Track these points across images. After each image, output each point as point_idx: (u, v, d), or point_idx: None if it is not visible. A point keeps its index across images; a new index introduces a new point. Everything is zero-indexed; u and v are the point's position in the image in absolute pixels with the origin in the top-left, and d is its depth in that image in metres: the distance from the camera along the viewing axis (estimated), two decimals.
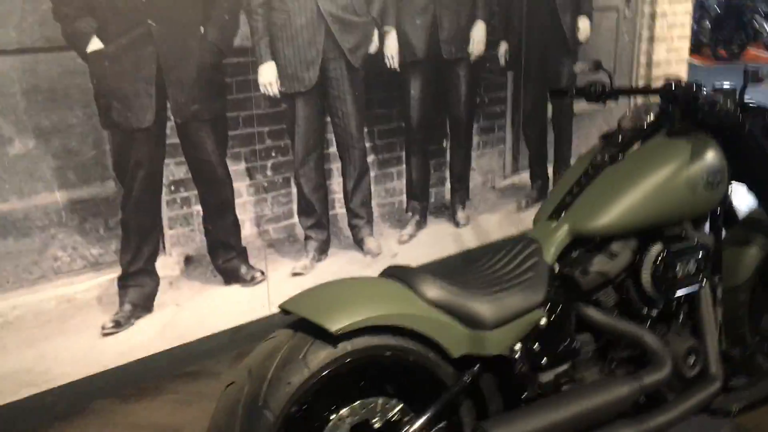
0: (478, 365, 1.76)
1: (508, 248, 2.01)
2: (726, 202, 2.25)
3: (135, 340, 2.76)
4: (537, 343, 1.84)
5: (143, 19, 2.53)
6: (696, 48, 12.56)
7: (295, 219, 3.13)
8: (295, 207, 3.12)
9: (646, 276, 1.99)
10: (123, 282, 2.70)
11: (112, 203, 2.62)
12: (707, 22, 12.29)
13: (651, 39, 4.46)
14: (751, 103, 2.15)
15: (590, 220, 1.97)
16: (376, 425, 1.68)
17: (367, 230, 3.36)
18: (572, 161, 4.02)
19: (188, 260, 2.86)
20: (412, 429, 1.67)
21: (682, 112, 2.11)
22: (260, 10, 2.83)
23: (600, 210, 1.98)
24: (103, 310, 2.68)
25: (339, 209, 3.28)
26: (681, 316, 2.13)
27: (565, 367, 1.92)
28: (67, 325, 2.60)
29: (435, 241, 3.61)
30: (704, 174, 2.03)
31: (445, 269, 1.98)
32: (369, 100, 3.24)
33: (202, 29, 2.69)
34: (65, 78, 2.42)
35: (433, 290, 1.73)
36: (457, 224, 3.74)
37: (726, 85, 2.16)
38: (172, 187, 2.76)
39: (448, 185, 3.68)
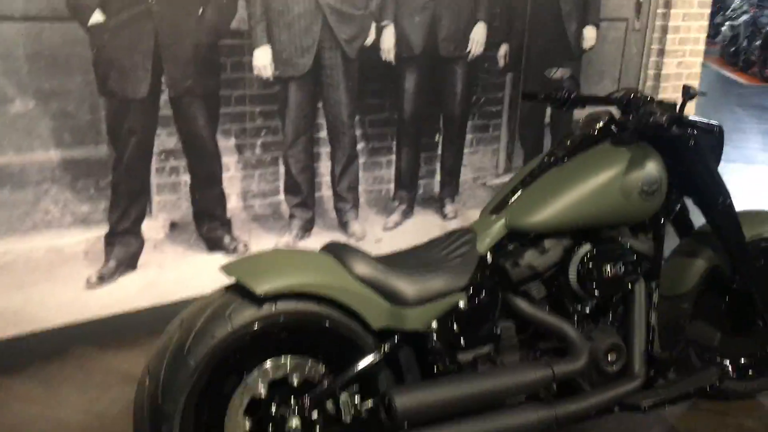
0: (396, 338, 1.91)
1: (447, 237, 2.15)
2: (670, 213, 2.34)
3: (117, 295, 2.97)
4: (455, 324, 1.97)
5: None
6: (746, 66, 12.35)
7: (281, 197, 3.31)
8: (281, 185, 3.29)
9: (572, 273, 2.11)
10: (109, 239, 2.91)
11: (104, 165, 2.83)
12: (758, 41, 12.04)
13: (661, 52, 4.50)
14: (695, 119, 2.24)
15: (526, 217, 2.09)
16: (295, 382, 1.84)
17: (353, 214, 3.52)
18: None
19: (173, 226, 3.06)
20: (327, 389, 1.83)
21: (634, 123, 2.21)
22: None
23: (536, 208, 2.10)
24: (89, 264, 2.89)
25: (326, 192, 3.44)
26: (611, 316, 2.24)
27: (485, 350, 2.05)
28: (54, 274, 2.82)
29: (420, 231, 3.74)
30: (639, 182, 2.13)
31: (391, 253, 2.12)
32: (362, 90, 3.39)
33: (200, 10, 2.87)
34: (67, 46, 2.63)
35: (361, 266, 1.89)
36: (444, 216, 3.86)
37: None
38: (162, 156, 2.95)
39: (438, 178, 3.80)
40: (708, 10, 4.65)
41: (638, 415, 2.53)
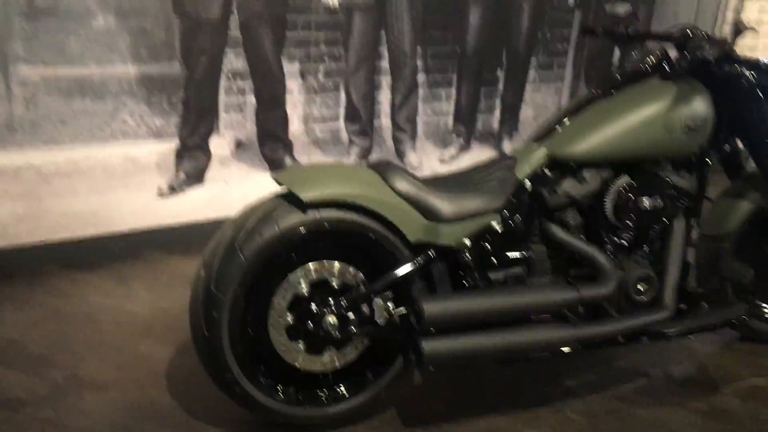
0: (431, 252, 2.03)
1: (490, 162, 2.25)
2: (717, 152, 2.36)
3: (185, 206, 3.19)
4: (487, 243, 2.08)
5: None
6: None
7: (341, 123, 3.44)
8: (342, 112, 3.42)
9: (609, 204, 2.17)
10: (180, 153, 3.12)
11: (176, 82, 3.02)
12: None
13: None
14: (749, 58, 2.23)
15: (567, 146, 2.16)
16: (334, 284, 2.01)
17: (410, 144, 3.63)
18: None
19: (239, 144, 3.25)
20: (363, 293, 1.99)
21: (687, 60, 2.22)
22: None
23: (578, 138, 2.16)
24: (161, 175, 3.12)
25: (384, 121, 3.55)
26: (647, 249, 2.30)
27: (517, 271, 2.15)
28: (129, 182, 3.06)
29: None
30: (683, 117, 2.15)
31: (435, 175, 2.23)
32: (426, 22, 3.45)
33: None
34: None
35: (401, 183, 2.02)
36: (501, 152, 3.92)
37: None
38: (230, 76, 3.12)
39: (497, 114, 3.86)
40: None
41: (670, 349, 2.62)
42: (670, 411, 2.30)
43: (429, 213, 2.02)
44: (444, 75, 3.62)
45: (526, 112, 3.91)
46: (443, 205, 2.03)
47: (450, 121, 3.72)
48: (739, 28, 2.16)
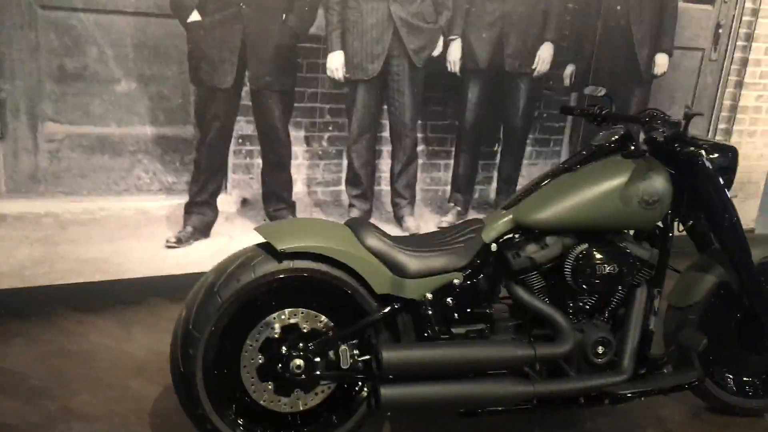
0: (396, 304, 2.20)
1: (460, 225, 2.42)
2: (686, 226, 2.50)
3: (191, 257, 3.41)
4: (449, 299, 2.24)
5: (236, 1, 3.16)
6: None
7: (343, 187, 3.66)
8: (344, 176, 3.65)
9: (567, 268, 2.32)
10: (188, 208, 3.36)
11: (189, 144, 3.28)
12: None
13: (739, 84, 4.53)
14: (704, 140, 2.40)
15: (531, 214, 2.32)
16: (304, 330, 2.17)
17: (408, 210, 3.82)
18: None
19: (244, 202, 3.47)
20: (331, 339, 2.15)
21: (648, 140, 2.40)
22: (336, 6, 3.38)
23: (542, 207, 2.33)
24: (169, 227, 3.35)
25: (384, 186, 3.77)
26: (608, 314, 2.43)
27: (480, 327, 2.30)
28: (140, 232, 3.29)
29: None
30: (639, 192, 2.30)
31: (407, 235, 2.42)
32: (427, 97, 3.70)
33: (284, 16, 3.28)
34: (167, 39, 3.10)
35: (371, 239, 2.20)
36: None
37: None
38: (240, 140, 3.38)
39: (494, 185, 4.04)
40: None
41: (638, 417, 2.70)
42: None
43: (395, 268, 2.19)
44: (443, 147, 3.84)
45: (523, 185, 4.08)
46: (409, 261, 2.21)
47: (448, 189, 3.92)
48: (688, 114, 2.34)
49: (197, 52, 3.16)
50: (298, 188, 3.56)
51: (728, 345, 2.70)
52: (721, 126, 4.61)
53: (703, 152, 2.38)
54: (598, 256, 2.31)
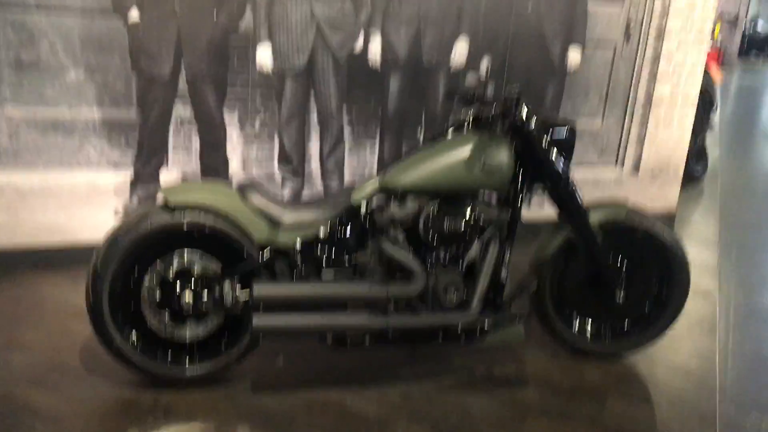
0: (271, 250, 2.67)
1: (339, 191, 2.89)
2: (522, 190, 2.93)
3: None
4: (316, 246, 2.70)
5: (171, 1, 3.63)
6: None
7: (275, 165, 4.12)
8: (275, 155, 4.11)
9: (420, 223, 2.77)
10: (133, 182, 3.84)
11: (133, 125, 3.77)
12: None
13: (653, 78, 4.93)
14: (547, 117, 2.84)
15: (393, 178, 2.78)
16: (195, 271, 2.64)
17: (338, 186, 4.28)
18: None
19: (184, 177, 3.95)
20: (216, 277, 2.63)
21: (474, 117, 2.85)
22: (263, 3, 3.84)
23: (403, 172, 2.78)
24: (117, 199, 3.83)
25: (314, 165, 4.22)
26: (462, 264, 2.87)
27: (346, 272, 2.76)
28: (91, 202, 3.78)
29: None
30: (480, 159, 2.74)
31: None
32: (350, 86, 4.15)
33: (215, 12, 3.75)
34: (110, 33, 3.59)
35: (254, 197, 2.68)
36: None
37: None
38: (179, 122, 3.86)
39: None
40: (706, 41, 5.02)
41: (502, 354, 3.15)
42: (475, 398, 2.83)
43: (271, 221, 2.66)
44: (368, 130, 4.29)
45: None
46: (284, 215, 2.68)
47: (374, 168, 4.36)
48: (513, 95, 2.78)
49: (137, 45, 3.65)
50: (234, 166, 4.04)
51: (582, 294, 3.14)
52: (637, 117, 5.01)
53: (531, 126, 2.81)
54: (444, 213, 2.77)
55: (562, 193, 2.91)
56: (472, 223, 2.80)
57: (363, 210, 2.79)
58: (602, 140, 5.00)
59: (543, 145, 2.83)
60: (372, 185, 2.81)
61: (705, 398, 2.96)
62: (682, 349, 3.36)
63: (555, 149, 2.86)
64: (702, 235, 5.25)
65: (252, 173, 4.09)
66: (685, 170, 5.35)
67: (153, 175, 3.88)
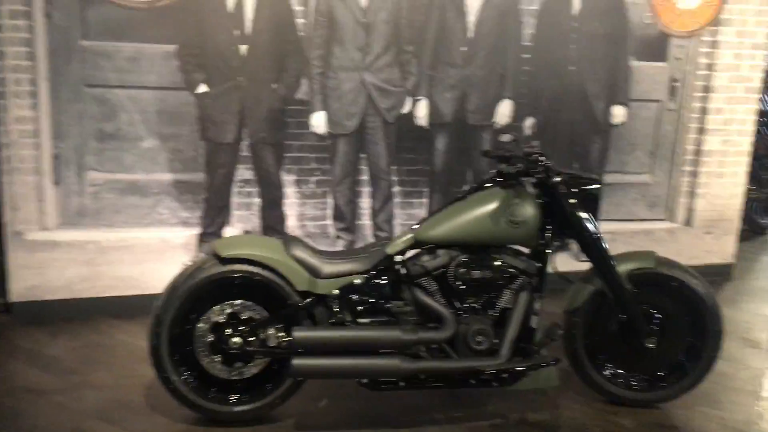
0: (312, 298, 2.92)
1: (375, 242, 3.14)
2: (549, 244, 3.08)
3: None
4: (353, 295, 2.94)
5: (235, 76, 4.05)
6: None
7: (329, 221, 4.42)
8: (329, 213, 4.41)
9: (449, 273, 2.97)
10: (201, 238, 4.22)
11: (200, 187, 4.16)
12: None
13: (701, 131, 5.00)
14: (570, 172, 3.01)
15: (425, 232, 3.01)
16: (243, 317, 2.93)
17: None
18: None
19: (246, 233, 4.29)
20: (262, 323, 2.90)
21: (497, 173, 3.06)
22: (318, 77, 4.21)
23: (434, 226, 3.01)
24: (186, 253, 4.21)
25: (366, 221, 4.50)
26: (491, 312, 3.03)
27: (382, 319, 2.98)
28: (162, 257, 4.16)
29: None
30: (505, 213, 2.94)
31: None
32: (399, 146, 4.44)
33: (274, 86, 4.14)
34: (181, 107, 4.03)
35: (296, 250, 2.96)
36: None
37: None
38: (241, 184, 4.23)
39: None
40: (756, 95, 5.07)
41: (536, 402, 3.26)
42: None
43: (312, 271, 2.93)
44: (416, 188, 4.55)
45: None
46: (322, 266, 2.94)
47: None
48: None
49: (204, 116, 4.07)
50: (291, 222, 4.36)
51: (613, 344, 3.23)
52: (687, 168, 5.07)
53: (557, 180, 2.98)
54: (472, 264, 2.96)
55: (589, 245, 3.05)
56: (499, 273, 2.98)
57: (396, 261, 3.02)
58: (652, 194, 5.08)
59: (568, 199, 2.99)
60: (406, 238, 3.04)
61: None
62: (725, 401, 3.38)
63: (581, 204, 3.01)
64: (763, 289, 5.18)
65: (308, 229, 4.41)
66: (750, 222, 5.29)
67: (218, 231, 4.24)
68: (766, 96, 6.40)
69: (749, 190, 5.50)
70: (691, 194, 5.13)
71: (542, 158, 3.02)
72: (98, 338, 3.86)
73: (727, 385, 3.53)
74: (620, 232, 4.92)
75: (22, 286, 4.01)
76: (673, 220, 5.16)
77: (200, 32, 4.00)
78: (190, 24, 3.98)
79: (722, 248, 5.31)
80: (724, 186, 5.19)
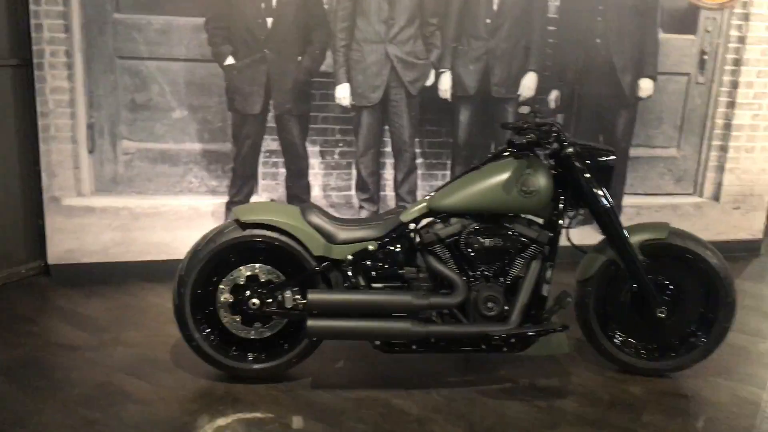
0: (327, 263, 3.03)
1: (390, 210, 3.24)
2: (562, 213, 3.12)
3: None
4: (366, 261, 3.04)
5: (261, 49, 4.16)
6: None
7: (353, 192, 4.52)
8: (353, 183, 4.51)
9: (461, 241, 3.04)
10: (228, 206, 4.36)
11: (228, 157, 4.30)
12: None
13: (731, 105, 4.93)
14: (585, 144, 3.05)
15: (439, 201, 3.09)
16: (262, 279, 3.06)
17: None
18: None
19: (272, 201, 4.42)
20: (279, 285, 3.03)
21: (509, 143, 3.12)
22: (342, 49, 4.28)
23: (448, 195, 3.09)
24: (214, 221, 4.36)
25: (389, 192, 4.59)
26: (504, 279, 3.10)
27: (395, 284, 3.07)
28: (192, 224, 4.32)
29: None
30: (517, 182, 2.99)
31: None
32: (422, 118, 4.50)
33: (299, 58, 4.23)
34: (209, 78, 4.16)
35: (312, 217, 3.07)
36: None
37: None
38: (267, 154, 4.35)
39: None
40: None
41: (548, 368, 3.33)
42: (514, 404, 3.04)
43: (328, 237, 3.04)
44: (439, 159, 4.61)
45: None
46: (338, 232, 3.04)
47: None
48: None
49: (232, 88, 4.19)
50: (315, 192, 4.48)
51: (626, 313, 3.27)
52: (716, 142, 5.02)
53: (570, 151, 3.02)
54: (484, 232, 3.03)
55: (602, 215, 3.09)
56: (510, 242, 3.05)
57: (409, 228, 3.10)
58: (679, 168, 5.05)
59: (581, 170, 3.02)
60: (420, 207, 3.12)
61: (745, 415, 3.02)
62: (739, 372, 3.40)
63: (594, 175, 3.05)
64: None
65: (332, 199, 4.52)
66: None
67: (245, 200, 4.38)
68: None
69: None
70: (720, 169, 5.08)
71: (555, 129, 3.06)
72: (130, 300, 4.05)
73: (742, 356, 3.55)
74: (646, 206, 4.92)
75: (59, 250, 4.22)
76: (701, 194, 5.12)
77: (228, 5, 4.11)
78: None
79: (750, 224, 5.25)
80: (754, 161, 5.12)
